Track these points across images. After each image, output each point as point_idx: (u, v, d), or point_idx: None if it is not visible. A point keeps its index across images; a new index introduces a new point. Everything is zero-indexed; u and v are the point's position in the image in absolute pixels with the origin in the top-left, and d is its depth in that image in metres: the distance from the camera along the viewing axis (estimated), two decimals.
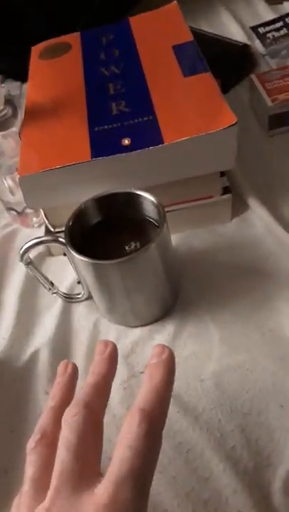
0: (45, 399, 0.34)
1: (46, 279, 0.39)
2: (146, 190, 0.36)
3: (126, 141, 0.38)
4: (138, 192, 0.36)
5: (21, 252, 0.36)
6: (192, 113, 0.39)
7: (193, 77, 0.43)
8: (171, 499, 0.29)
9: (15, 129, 0.45)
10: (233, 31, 0.70)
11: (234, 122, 0.36)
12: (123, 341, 0.37)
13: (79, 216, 0.36)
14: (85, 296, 0.40)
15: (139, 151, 0.37)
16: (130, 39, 0.51)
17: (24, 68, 0.59)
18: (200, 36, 0.52)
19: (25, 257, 0.36)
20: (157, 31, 0.51)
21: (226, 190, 0.42)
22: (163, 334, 0.37)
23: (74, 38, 0.54)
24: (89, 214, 0.37)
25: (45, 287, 0.40)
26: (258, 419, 0.32)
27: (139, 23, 0.53)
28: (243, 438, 0.31)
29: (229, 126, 0.36)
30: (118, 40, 0.52)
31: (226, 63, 0.61)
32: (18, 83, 0.71)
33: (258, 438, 0.31)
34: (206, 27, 0.72)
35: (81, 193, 0.37)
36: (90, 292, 0.40)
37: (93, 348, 0.37)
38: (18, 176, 0.38)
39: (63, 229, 0.43)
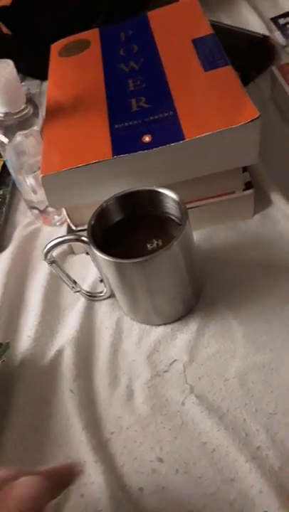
0: (70, 397, 0.35)
1: (69, 277, 0.39)
2: (168, 187, 0.35)
3: (147, 138, 0.38)
4: (159, 190, 0.35)
5: (45, 250, 0.36)
6: (213, 108, 0.38)
7: (214, 71, 0.42)
8: (197, 499, 0.29)
9: (36, 127, 0.45)
10: (253, 23, 0.69)
11: (257, 116, 0.36)
12: (146, 340, 0.37)
13: (101, 215, 0.36)
14: (107, 295, 0.40)
15: (160, 147, 0.36)
16: (149, 34, 0.50)
17: (43, 66, 0.59)
18: (219, 29, 0.51)
19: (48, 256, 0.36)
20: (176, 25, 0.51)
21: (248, 186, 0.42)
22: (186, 333, 0.37)
23: (93, 35, 0.54)
24: (111, 212, 0.37)
25: (68, 286, 0.40)
26: (284, 420, 0.31)
27: (158, 18, 0.53)
28: (269, 438, 0.30)
29: (252, 121, 0.36)
30: (137, 35, 0.51)
31: (246, 55, 0.60)
32: (38, 81, 0.72)
33: (283, 438, 0.30)
34: (225, 19, 0.71)
35: (103, 192, 0.37)
36: (112, 290, 0.40)
37: (116, 347, 0.37)
38: (41, 175, 0.38)
39: (85, 227, 0.43)
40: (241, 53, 0.59)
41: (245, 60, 0.60)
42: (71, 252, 0.46)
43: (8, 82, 0.40)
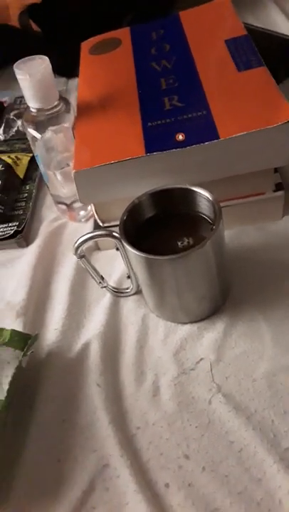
0: (97, 391, 0.35)
1: (97, 272, 0.39)
2: (200, 186, 0.35)
3: (180, 137, 0.38)
4: (192, 188, 0.35)
5: (76, 245, 0.36)
6: (248, 108, 0.38)
7: (248, 72, 0.42)
8: (223, 498, 0.29)
9: (66, 124, 0.45)
10: (281, 25, 0.69)
11: None
12: (172, 337, 0.37)
13: (133, 211, 0.36)
14: (133, 291, 0.41)
15: (193, 146, 0.37)
16: (181, 34, 0.51)
17: (70, 64, 0.60)
18: (248, 30, 0.51)
19: (79, 251, 0.37)
20: (208, 25, 0.51)
21: (278, 187, 0.42)
22: (212, 332, 0.37)
23: (124, 34, 0.54)
24: (142, 209, 0.37)
25: (96, 281, 0.40)
26: None
27: (190, 18, 0.53)
28: None
29: (287, 122, 0.35)
30: (169, 34, 0.52)
31: (275, 57, 0.60)
32: (64, 79, 0.72)
33: None
34: (253, 21, 0.71)
35: (134, 189, 0.37)
36: (138, 287, 0.40)
37: (142, 343, 0.38)
38: (73, 170, 0.38)
39: (112, 224, 0.44)
40: (271, 55, 0.59)
41: (275, 61, 0.59)
42: (96, 248, 0.46)
43: (43, 78, 0.41)
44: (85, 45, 0.55)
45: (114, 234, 0.35)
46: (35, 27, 0.69)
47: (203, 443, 0.32)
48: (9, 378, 0.32)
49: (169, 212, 0.37)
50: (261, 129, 0.36)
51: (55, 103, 0.43)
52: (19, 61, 0.41)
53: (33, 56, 0.42)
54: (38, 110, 0.43)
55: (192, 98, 0.41)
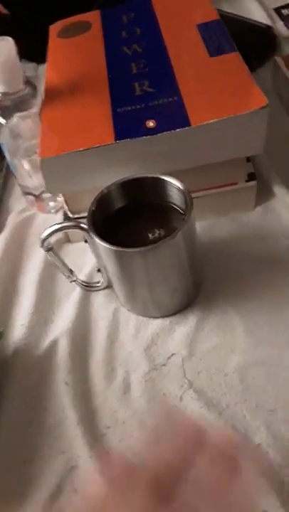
0: (65, 390, 0.33)
1: (66, 266, 0.38)
2: (169, 175, 0.34)
3: (150, 123, 0.36)
4: (163, 177, 0.34)
5: (42, 237, 0.34)
6: (220, 94, 0.37)
7: (221, 57, 0.41)
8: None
9: (34, 110, 0.43)
10: (255, 13, 0.68)
11: (265, 104, 0.35)
12: (143, 332, 0.36)
13: (101, 201, 0.35)
14: (104, 285, 0.39)
15: (164, 133, 0.35)
16: (152, 17, 0.49)
17: (39, 49, 0.57)
18: (221, 16, 0.50)
19: (46, 243, 0.35)
20: (180, 9, 0.49)
21: (250, 177, 0.41)
22: (184, 326, 0.36)
23: (94, 17, 0.52)
24: (112, 199, 0.35)
25: (65, 275, 0.38)
26: (285, 416, 0.30)
27: (161, 1, 0.51)
28: (270, 436, 0.30)
29: (261, 108, 0.34)
30: (139, 18, 0.50)
31: (248, 45, 0.59)
32: (33, 64, 0.69)
33: (284, 436, 0.30)
34: (227, 7, 0.69)
35: (103, 178, 0.36)
36: (109, 281, 0.39)
37: (113, 339, 0.36)
38: (40, 158, 0.36)
39: (82, 215, 0.42)
40: (243, 43, 0.58)
41: (247, 49, 0.58)
42: (67, 240, 0.45)
43: (7, 59, 0.39)
44: (54, 28, 0.53)
45: (81, 225, 0.34)
46: (2, 9, 0.66)
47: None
48: None
49: (140, 202, 0.36)
50: (233, 115, 0.35)
51: (21, 87, 0.41)
52: None
53: None
54: (3, 94, 0.41)
55: (163, 83, 0.40)
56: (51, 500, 0.29)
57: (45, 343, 0.37)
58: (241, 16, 0.64)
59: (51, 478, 0.30)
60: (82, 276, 0.41)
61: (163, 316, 0.37)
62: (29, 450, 0.32)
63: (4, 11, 0.65)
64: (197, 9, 0.48)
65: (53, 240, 0.35)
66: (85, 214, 0.41)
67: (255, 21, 0.64)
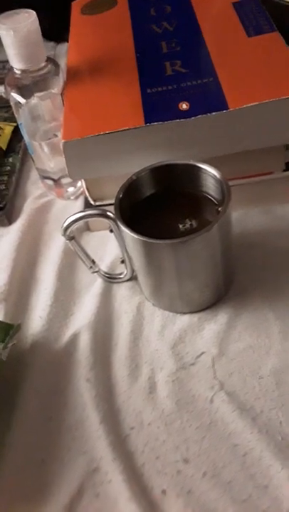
0: (87, 387, 0.32)
1: (88, 256, 0.36)
2: (203, 162, 0.32)
3: (184, 105, 0.34)
4: (198, 164, 0.32)
5: (65, 225, 0.32)
6: (260, 76, 0.35)
7: (259, 37, 0.38)
8: (226, 506, 0.27)
9: (55, 90, 0.40)
10: None
11: None
12: (170, 328, 0.34)
13: (130, 188, 0.32)
14: (127, 277, 0.37)
15: (199, 116, 0.33)
16: None
17: (59, 27, 0.55)
18: None
19: (68, 232, 0.33)
20: None
21: (288, 166, 0.38)
22: (214, 323, 0.34)
23: None
24: (140, 186, 0.33)
25: (86, 265, 0.36)
26: None
27: None
28: None
29: None
30: None
31: (283, 26, 0.56)
32: (52, 43, 0.67)
33: None
34: None
35: (130, 164, 0.33)
36: (133, 273, 0.37)
37: (137, 334, 0.34)
38: (62, 141, 0.34)
39: (105, 202, 0.40)
40: (282, 24, 0.55)
41: (285, 31, 0.55)
42: (87, 228, 0.42)
43: (29, 34, 0.36)
44: (76, 5, 0.50)
45: (108, 214, 0.31)
46: None
47: (204, 446, 0.29)
48: None
49: (170, 190, 0.33)
50: (275, 99, 0.32)
51: (42, 64, 0.39)
52: (2, 15, 0.37)
53: (19, 10, 0.37)
54: (23, 72, 0.38)
55: (197, 64, 0.37)
56: (71, 504, 0.28)
57: (65, 336, 0.35)
58: None
59: (71, 481, 0.28)
60: (103, 266, 0.39)
61: (191, 312, 0.35)
62: (48, 448, 0.30)
63: None
64: None
65: (75, 228, 0.33)
66: (108, 201, 0.40)
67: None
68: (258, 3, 0.42)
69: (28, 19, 0.36)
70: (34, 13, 0.37)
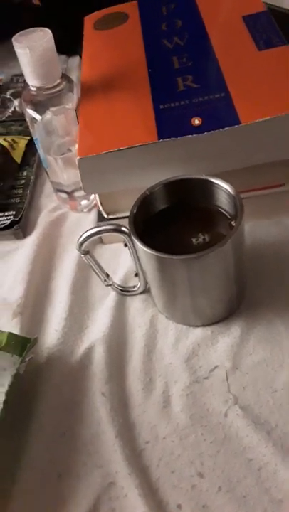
0: (102, 401, 0.32)
1: (102, 269, 0.36)
2: (214, 176, 0.32)
3: (196, 121, 0.34)
4: (211, 179, 0.32)
5: (80, 240, 0.33)
6: (271, 90, 0.35)
7: (270, 51, 0.39)
8: None
9: (68, 105, 0.41)
10: None
11: None
12: (184, 342, 0.34)
13: (143, 203, 0.33)
14: (141, 290, 0.37)
15: (212, 132, 0.33)
16: (194, 9, 0.47)
17: (70, 41, 0.56)
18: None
19: (83, 247, 0.33)
20: (224, 0, 0.47)
21: None
22: (228, 337, 0.34)
23: (131, 8, 0.50)
24: (154, 201, 0.34)
25: (100, 279, 0.37)
26: None
27: None
28: None
29: None
30: (180, 9, 0.47)
31: None
32: (64, 57, 0.68)
33: None
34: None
35: (143, 178, 0.34)
36: (146, 285, 0.37)
37: (151, 348, 0.35)
38: (78, 157, 0.34)
39: (118, 215, 0.40)
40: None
41: None
42: (100, 241, 0.43)
43: (44, 52, 0.37)
44: (89, 20, 0.51)
45: (122, 229, 0.32)
46: (35, 0, 0.64)
47: (219, 460, 0.29)
48: (6, 388, 0.29)
49: (183, 205, 0.34)
50: (286, 113, 0.32)
51: (57, 81, 0.39)
52: (18, 33, 0.37)
53: (34, 28, 0.38)
54: (38, 89, 0.39)
55: (208, 79, 0.37)
56: None
57: (80, 350, 0.35)
58: (283, 8, 0.61)
59: (87, 495, 0.29)
60: (117, 279, 0.39)
61: (204, 325, 0.35)
62: (64, 463, 0.30)
63: (37, 2, 0.64)
64: (242, 0, 0.46)
65: (89, 242, 0.34)
66: (121, 214, 0.40)
67: None
68: (268, 17, 0.42)
69: (43, 38, 0.37)
70: (49, 31, 0.37)
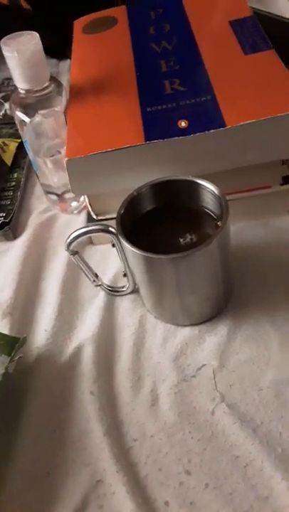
0: (90, 400, 0.32)
1: (91, 270, 0.37)
2: (204, 178, 0.32)
3: (183, 123, 0.35)
4: (197, 180, 0.33)
5: (68, 240, 0.33)
6: (256, 94, 0.36)
7: (255, 55, 0.39)
8: None
9: (57, 108, 0.42)
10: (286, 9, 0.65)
11: None
12: (172, 341, 0.35)
13: (131, 204, 0.33)
14: (129, 290, 0.38)
15: (198, 134, 0.34)
16: (181, 13, 0.47)
17: (61, 45, 0.56)
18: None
19: (71, 247, 0.34)
20: (211, 5, 0.48)
21: (285, 180, 0.39)
22: (215, 336, 0.34)
23: (119, 12, 0.51)
24: (141, 202, 0.34)
25: (90, 279, 0.37)
26: None
27: None
28: None
29: None
30: (168, 14, 0.48)
31: (283, 44, 0.57)
32: (55, 61, 0.68)
33: None
34: (256, 4, 0.67)
35: (131, 180, 0.34)
36: (135, 286, 0.37)
37: (139, 347, 0.35)
38: (66, 158, 0.35)
39: (107, 216, 0.41)
40: (277, 42, 0.56)
41: (283, 48, 0.56)
42: (90, 242, 0.43)
43: (33, 55, 0.37)
44: (78, 24, 0.51)
45: (110, 229, 0.32)
46: (24, 4, 0.65)
47: (206, 457, 0.29)
48: None
49: (170, 205, 0.34)
50: (271, 117, 0.33)
51: (46, 84, 0.40)
52: (6, 37, 0.38)
53: (22, 32, 0.38)
54: (27, 91, 0.40)
55: (195, 82, 0.38)
56: None
57: (69, 349, 0.35)
58: (274, 14, 0.62)
59: (75, 493, 0.29)
60: (106, 280, 0.39)
61: (192, 325, 0.35)
62: (52, 461, 0.30)
63: (27, 6, 0.64)
64: (229, 5, 0.46)
65: (77, 242, 0.34)
66: (110, 215, 0.41)
67: (287, 18, 0.62)
68: (254, 22, 0.43)
69: (31, 41, 0.37)
70: (37, 34, 0.38)
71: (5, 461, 0.30)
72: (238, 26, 0.43)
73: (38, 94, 0.40)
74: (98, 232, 0.33)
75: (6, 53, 0.37)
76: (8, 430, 0.32)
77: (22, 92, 0.40)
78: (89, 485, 0.29)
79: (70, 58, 0.47)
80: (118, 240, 0.32)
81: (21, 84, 0.39)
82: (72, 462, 0.30)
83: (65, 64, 0.67)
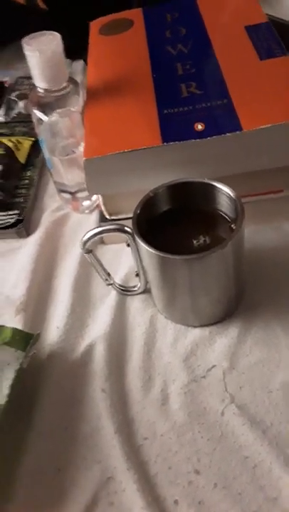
0: (102, 397, 0.32)
1: (104, 269, 0.37)
2: (219, 180, 0.33)
3: (199, 126, 0.35)
4: (213, 183, 0.33)
5: (84, 239, 0.34)
6: (272, 98, 0.36)
7: (271, 61, 0.40)
8: None
9: (73, 108, 0.42)
10: None
11: None
12: (182, 341, 0.35)
13: (147, 205, 0.34)
14: (141, 290, 0.38)
15: (214, 137, 0.34)
16: (197, 17, 0.48)
17: (75, 45, 0.57)
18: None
19: (87, 245, 0.34)
20: (227, 10, 0.48)
21: None
22: (225, 337, 0.35)
23: (136, 14, 0.51)
24: (157, 202, 0.34)
25: (102, 278, 0.37)
26: None
27: (207, 1, 0.50)
28: None
29: None
30: (184, 18, 0.49)
31: None
32: (68, 61, 0.69)
33: None
34: (268, 10, 0.67)
35: (147, 180, 0.35)
36: (146, 286, 0.38)
37: (150, 346, 0.35)
38: (84, 158, 0.35)
39: (120, 216, 0.41)
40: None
41: None
42: (101, 242, 0.44)
43: (53, 56, 0.38)
44: (95, 25, 0.52)
45: (126, 229, 0.33)
46: (41, 4, 0.65)
47: (215, 457, 0.29)
48: (10, 381, 0.30)
49: (185, 207, 0.35)
50: (286, 121, 0.33)
51: (64, 84, 0.40)
52: (28, 36, 0.38)
53: (43, 32, 0.39)
54: (46, 91, 0.40)
55: (211, 86, 0.38)
56: (86, 511, 0.28)
57: (81, 347, 0.36)
58: (285, 20, 0.63)
59: (86, 490, 0.29)
60: (117, 279, 0.40)
61: (202, 326, 0.36)
62: (64, 457, 0.31)
63: (43, 5, 0.65)
64: (245, 10, 0.47)
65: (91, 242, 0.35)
66: (122, 215, 0.41)
67: None
68: (269, 28, 0.43)
69: (52, 41, 0.38)
70: (58, 35, 0.38)
71: (17, 456, 0.31)
72: (254, 32, 0.43)
73: (55, 94, 0.40)
74: (114, 231, 0.33)
75: (27, 52, 0.37)
76: (20, 426, 0.32)
77: (41, 91, 0.40)
78: (100, 482, 0.29)
79: (84, 59, 0.48)
80: (134, 239, 0.32)
81: (40, 84, 0.39)
82: (83, 459, 0.31)
83: (77, 64, 0.67)
